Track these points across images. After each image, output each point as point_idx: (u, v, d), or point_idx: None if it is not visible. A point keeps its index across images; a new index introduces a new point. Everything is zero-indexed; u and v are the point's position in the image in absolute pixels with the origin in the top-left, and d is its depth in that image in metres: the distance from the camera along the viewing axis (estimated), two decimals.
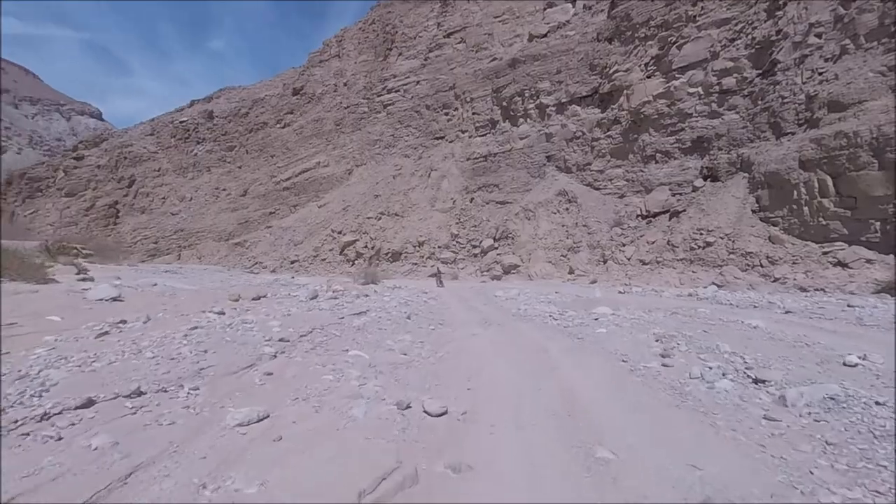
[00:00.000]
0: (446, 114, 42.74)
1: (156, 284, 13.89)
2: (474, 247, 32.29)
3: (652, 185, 28.19)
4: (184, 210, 48.83)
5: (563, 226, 29.00)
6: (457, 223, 34.47)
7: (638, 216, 26.73)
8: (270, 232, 42.47)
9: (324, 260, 36.47)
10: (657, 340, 6.91)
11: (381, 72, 49.20)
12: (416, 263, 33.08)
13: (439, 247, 33.21)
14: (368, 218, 36.41)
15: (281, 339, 6.56)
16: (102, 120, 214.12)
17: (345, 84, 53.02)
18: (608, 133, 30.98)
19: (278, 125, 54.06)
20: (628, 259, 23.94)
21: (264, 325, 7.62)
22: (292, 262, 37.35)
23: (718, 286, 17.39)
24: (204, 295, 11.68)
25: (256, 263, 39.07)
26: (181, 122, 57.61)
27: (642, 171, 29.09)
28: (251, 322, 7.86)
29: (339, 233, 36.87)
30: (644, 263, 23.08)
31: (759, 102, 23.48)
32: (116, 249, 38.95)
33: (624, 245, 25.09)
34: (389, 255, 33.98)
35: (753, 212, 20.69)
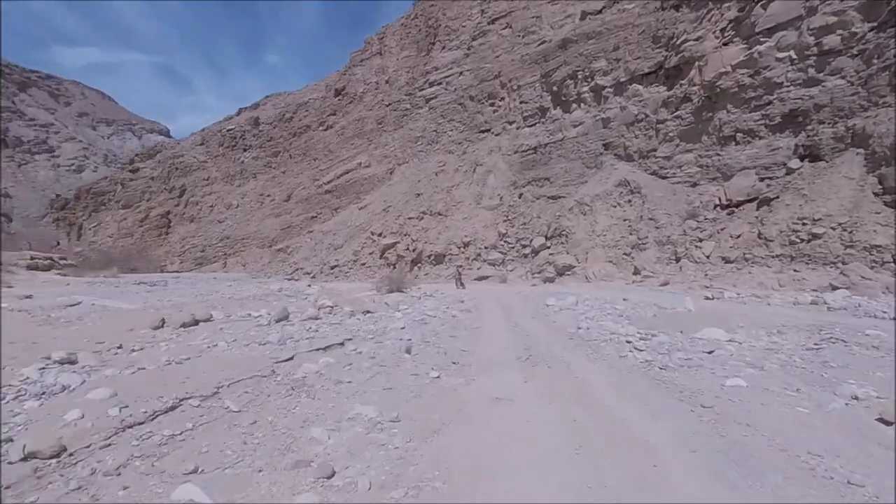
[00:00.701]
0: (492, 104, 40.05)
1: (79, 303, 11.97)
2: (524, 246, 29.41)
3: (732, 169, 24.19)
4: (230, 217, 49.29)
5: (624, 220, 25.55)
6: (504, 221, 31.71)
7: (716, 206, 22.87)
8: (311, 237, 41.60)
9: (363, 264, 34.86)
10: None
11: (423, 66, 47.28)
12: (461, 266, 30.64)
13: (486, 247, 30.60)
14: (410, 218, 34.42)
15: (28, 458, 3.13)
16: (170, 137, 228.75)
17: (386, 81, 51.62)
18: (676, 113, 27.14)
19: (321, 127, 53.58)
20: (707, 256, 20.27)
21: (79, 401, 4.24)
22: (332, 268, 36.05)
23: (839, 288, 13.65)
24: (122, 318, 9.32)
25: (297, 269, 38.18)
26: (228, 131, 58.71)
27: (719, 155, 25.11)
28: (55, 389, 4.58)
29: (379, 235, 35.14)
30: (728, 261, 19.38)
31: (875, 62, 19.11)
32: (108, 260, 38.79)
33: (701, 240, 21.39)
34: (432, 257, 31.79)
35: (876, 195, 16.58)
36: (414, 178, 40.14)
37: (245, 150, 58.15)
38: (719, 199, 22.81)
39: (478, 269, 29.85)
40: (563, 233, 27.47)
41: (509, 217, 31.68)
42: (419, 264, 32.35)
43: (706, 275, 19.01)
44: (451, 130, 42.33)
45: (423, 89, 45.87)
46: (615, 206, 26.47)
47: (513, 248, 29.90)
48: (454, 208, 34.08)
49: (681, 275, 20.00)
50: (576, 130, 32.68)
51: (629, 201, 26.14)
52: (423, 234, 33.03)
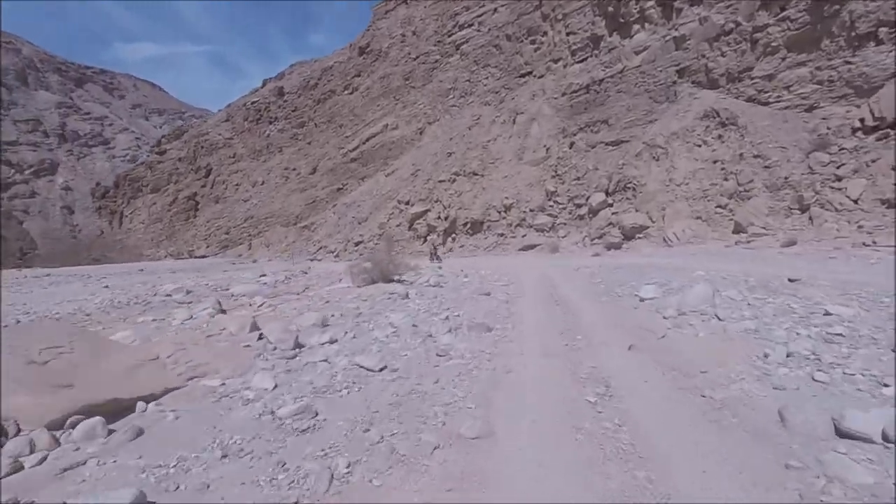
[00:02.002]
0: (532, 42, 33.72)
1: None
2: (579, 206, 23.82)
3: (872, 80, 17.34)
4: (254, 196, 46.36)
5: (715, 162, 19.37)
6: (553, 177, 26.09)
7: (857, 131, 16.28)
8: (335, 211, 37.69)
9: (391, 238, 30.44)
10: None
11: (453, 9, 41.22)
12: (502, 234, 25.57)
13: (531, 210, 25.25)
14: (440, 181, 29.49)
15: None
16: None
17: (413, 33, 45.97)
18: (782, 15, 20.20)
19: (346, 91, 49.06)
20: (855, 200, 14.05)
21: None
22: (356, 244, 31.97)
23: None
24: None
25: (321, 248, 34.46)
26: (252, 104, 55.51)
27: (850, 63, 18.21)
28: None
29: (407, 203, 30.52)
30: (892, 205, 13.15)
31: None
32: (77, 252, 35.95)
33: (839, 179, 15.09)
34: (468, 225, 26.86)
35: None
36: (445, 137, 34.94)
37: (270, 123, 54.84)
38: (861, 121, 16.20)
39: (522, 236, 24.66)
40: (630, 185, 21.63)
41: (559, 172, 26.00)
42: (453, 234, 27.56)
43: (860, 227, 12.92)
44: (487, 78, 36.45)
45: (452, 34, 39.97)
46: (700, 146, 20.25)
47: (564, 208, 24.37)
48: (492, 166, 28.75)
49: (814, 230, 13.98)
50: (639, 58, 26.11)
51: (719, 137, 19.83)
52: (457, 199, 28.07)
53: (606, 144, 25.32)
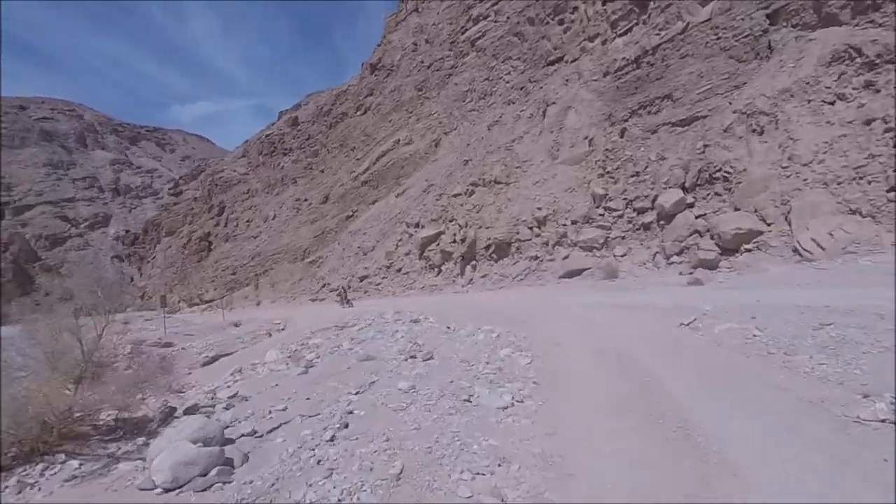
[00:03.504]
0: (561, 22, 27.61)
1: None
2: (641, 211, 16.87)
3: None
4: (264, 231, 42.04)
5: (867, 123, 12.09)
6: (601, 176, 19.35)
7: None
8: (339, 241, 32.29)
9: (399, 270, 24.49)
10: None
11: (466, 3, 36.06)
12: (536, 257, 18.94)
13: (573, 221, 18.53)
14: (455, 196, 23.39)
15: None
16: None
17: (426, 41, 41.17)
18: None
19: (358, 113, 44.62)
20: None
21: None
22: (361, 280, 26.18)
23: None
24: None
25: (323, 286, 28.91)
26: (267, 136, 52.40)
27: None
28: None
29: (416, 226, 24.53)
30: None
31: None
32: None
33: None
34: (491, 248, 20.42)
35: None
36: (463, 146, 29.02)
37: (285, 154, 51.30)
38: None
39: (564, 258, 17.88)
40: (720, 174, 14.59)
41: (608, 168, 19.22)
42: (473, 261, 21.17)
43: None
44: (509, 73, 30.53)
45: (465, 30, 34.65)
46: (833, 102, 13.04)
47: (621, 216, 17.46)
48: (518, 171, 22.36)
49: None
50: (707, 10, 19.36)
51: (868, 85, 12.58)
52: (475, 216, 21.78)
53: (673, 125, 18.36)
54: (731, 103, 16.36)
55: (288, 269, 35.41)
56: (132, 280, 68.50)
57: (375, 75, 45.52)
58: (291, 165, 49.82)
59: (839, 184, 11.74)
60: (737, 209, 13.44)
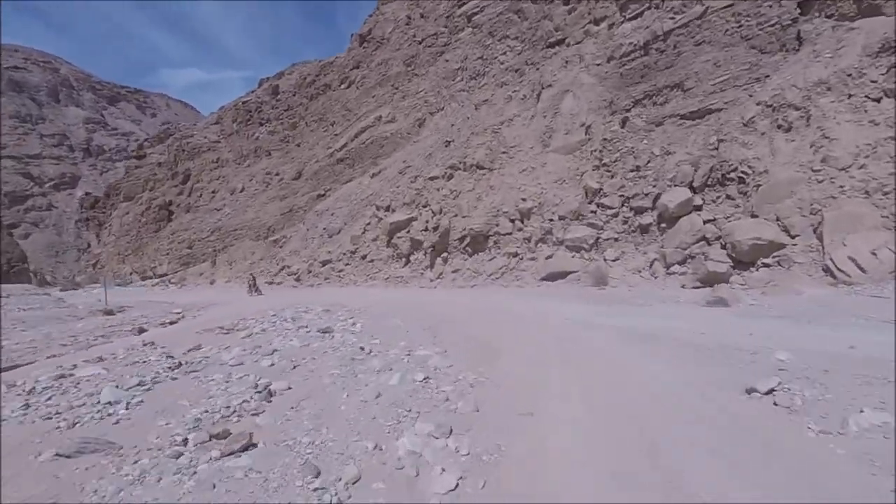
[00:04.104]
0: (566, 1, 25.24)
1: None
2: (639, 211, 14.68)
3: None
4: (229, 204, 38.82)
5: None
6: (597, 168, 17.12)
7: None
8: (305, 221, 29.53)
9: (364, 257, 21.96)
10: None
11: None
12: (515, 254, 16.66)
13: (561, 217, 16.29)
14: (432, 178, 20.92)
15: None
16: None
17: (421, 15, 38.34)
18: None
19: (342, 86, 41.58)
20: None
21: None
22: (323, 264, 23.59)
23: None
24: None
25: (282, 269, 26.18)
26: (243, 104, 48.86)
27: None
28: None
29: (387, 209, 22.03)
30: None
31: None
32: None
33: None
34: (466, 240, 18.06)
35: None
36: (448, 126, 26.52)
37: (261, 125, 47.86)
38: None
39: (547, 258, 15.64)
40: (734, 173, 12.46)
41: (604, 160, 16.99)
42: (445, 252, 18.79)
43: None
44: (504, 53, 28.07)
45: (462, 4, 32.01)
46: (881, 99, 10.98)
47: (616, 215, 15.26)
48: (504, 157, 20.00)
49: None
50: None
51: None
52: (452, 203, 19.37)
53: (682, 118, 16.21)
54: (751, 95, 14.25)
55: (249, 246, 32.50)
56: (89, 246, 64.23)
57: (364, 47, 42.48)
58: (267, 137, 46.50)
59: (885, 193, 9.69)
60: (754, 216, 11.33)
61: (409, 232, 20.42)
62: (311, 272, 24.30)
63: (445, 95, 30.54)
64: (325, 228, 26.04)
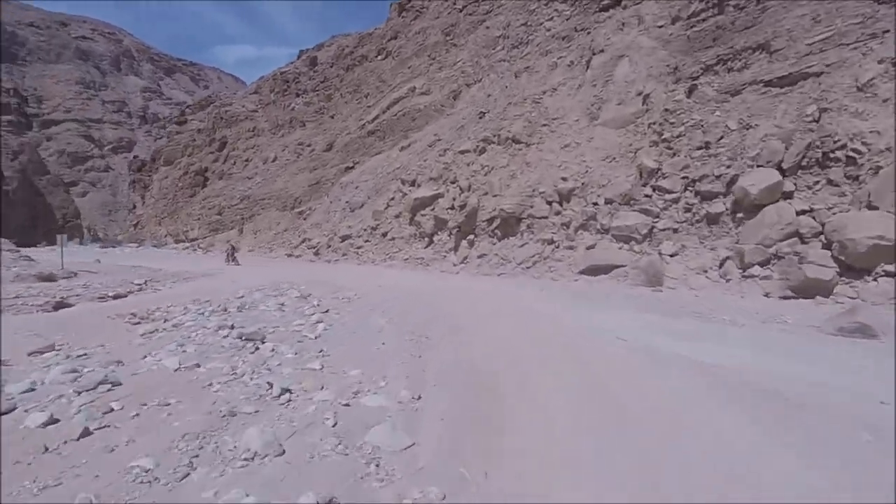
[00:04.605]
0: None
1: None
2: (707, 197, 11.98)
3: None
4: (260, 173, 38.06)
5: None
6: (655, 144, 14.43)
7: None
8: (330, 194, 28.07)
9: (385, 235, 20.17)
10: None
11: None
12: (551, 241, 14.35)
13: (608, 200, 13.80)
14: (462, 152, 18.73)
15: None
16: None
17: None
18: None
19: (378, 57, 39.63)
20: None
21: None
22: (343, 239, 22.00)
23: None
24: None
25: (303, 241, 24.85)
26: (281, 74, 47.87)
27: None
28: None
29: (412, 184, 20.06)
30: None
31: None
32: None
33: None
34: (496, 220, 15.86)
35: None
36: (484, 97, 24.10)
37: (298, 95, 46.86)
38: None
39: (588, 248, 13.25)
40: (841, 151, 9.65)
41: (665, 135, 14.25)
42: (472, 235, 16.67)
43: None
44: (551, 18, 25.17)
45: None
46: None
47: (676, 200, 12.62)
48: (544, 129, 17.51)
49: None
50: None
51: None
52: (482, 180, 17.16)
53: (767, 84, 13.19)
54: (864, 55, 11.16)
55: (275, 216, 31.54)
56: (134, 207, 66.14)
57: (403, 17, 40.19)
58: (303, 108, 45.41)
59: None
60: (872, 207, 8.57)
61: (433, 210, 18.41)
62: (330, 247, 22.82)
63: (484, 66, 27.98)
64: (347, 202, 24.45)
